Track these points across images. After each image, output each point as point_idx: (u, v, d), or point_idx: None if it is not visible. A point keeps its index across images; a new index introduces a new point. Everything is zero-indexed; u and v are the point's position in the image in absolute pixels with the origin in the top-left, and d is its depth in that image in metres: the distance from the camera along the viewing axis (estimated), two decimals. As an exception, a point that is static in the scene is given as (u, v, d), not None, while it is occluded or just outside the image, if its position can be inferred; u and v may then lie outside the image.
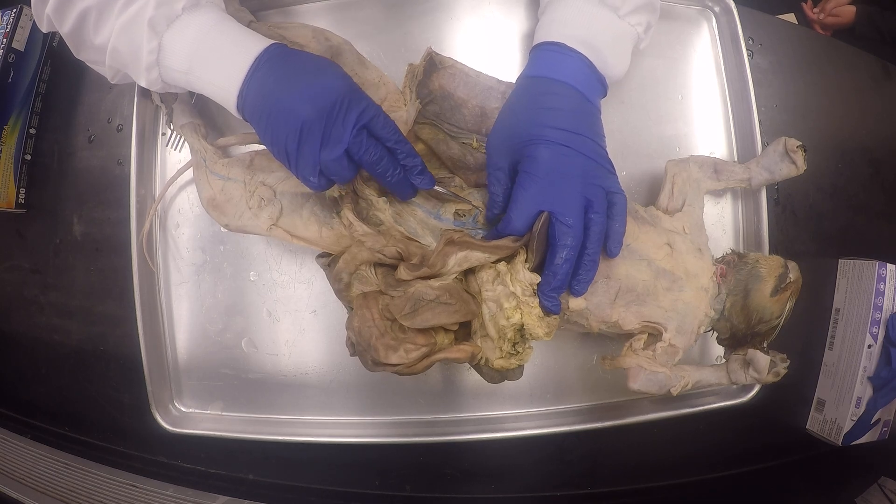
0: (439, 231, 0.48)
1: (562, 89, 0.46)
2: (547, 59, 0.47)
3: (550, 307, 0.45)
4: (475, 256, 0.46)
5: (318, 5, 0.60)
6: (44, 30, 0.47)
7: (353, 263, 0.48)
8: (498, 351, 0.46)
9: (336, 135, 0.42)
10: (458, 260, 0.46)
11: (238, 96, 0.43)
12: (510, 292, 0.45)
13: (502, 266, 0.45)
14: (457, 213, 0.49)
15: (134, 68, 0.45)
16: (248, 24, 0.54)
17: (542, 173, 0.44)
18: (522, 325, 0.45)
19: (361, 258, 0.47)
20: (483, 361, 0.46)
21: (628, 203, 0.47)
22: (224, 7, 0.48)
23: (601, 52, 0.47)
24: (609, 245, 0.46)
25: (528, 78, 0.48)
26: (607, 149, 0.47)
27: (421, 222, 0.48)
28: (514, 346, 0.46)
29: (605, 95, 0.50)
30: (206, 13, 0.45)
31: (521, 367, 0.47)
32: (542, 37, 0.48)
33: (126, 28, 0.43)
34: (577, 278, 0.45)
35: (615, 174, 0.47)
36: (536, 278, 0.44)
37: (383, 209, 0.48)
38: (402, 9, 0.60)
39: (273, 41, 0.45)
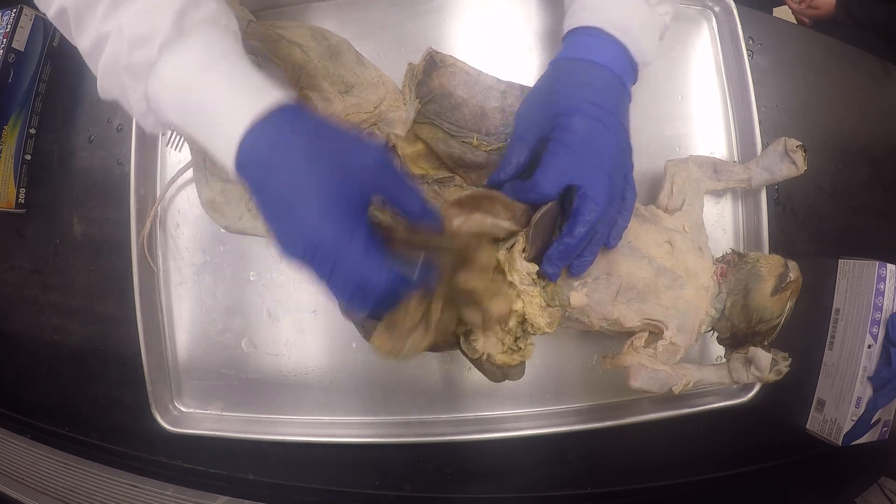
0: None
1: (600, 71, 0.46)
2: (584, 42, 0.47)
3: (551, 274, 0.44)
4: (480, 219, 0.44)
5: (317, 5, 0.60)
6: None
7: None
8: (500, 345, 0.45)
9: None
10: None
11: (235, 170, 0.35)
12: (509, 282, 0.44)
13: (502, 255, 0.45)
14: None
15: (132, 114, 0.40)
16: (248, 24, 0.54)
17: (576, 144, 0.43)
18: (524, 317, 0.45)
19: None
20: (485, 357, 0.46)
21: None
22: (224, 20, 0.38)
23: (636, 38, 0.47)
24: (611, 236, 0.46)
25: (566, 60, 0.48)
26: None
27: None
28: (515, 340, 0.46)
29: (636, 82, 0.49)
30: (193, 50, 0.35)
31: (522, 364, 0.47)
32: (576, 22, 0.48)
33: (107, 71, 0.37)
34: (580, 259, 0.45)
35: (632, 166, 0.47)
36: (534, 268, 0.44)
37: None
38: (401, 9, 0.60)
39: (273, 102, 0.34)
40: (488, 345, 0.45)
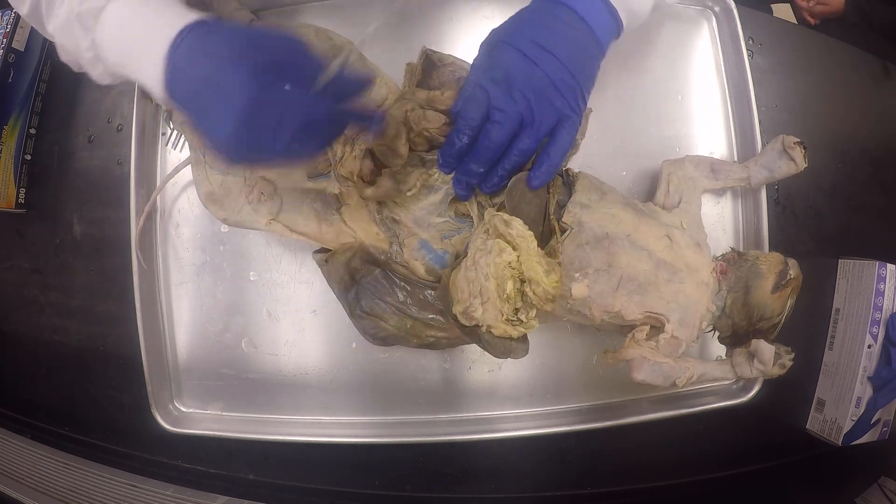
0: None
1: (568, 16, 0.45)
2: None
3: (458, 184, 0.46)
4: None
5: (318, 5, 0.60)
6: (14, 7, 0.46)
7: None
8: (499, 315, 0.44)
9: (270, 148, 0.38)
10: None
11: (164, 91, 0.39)
12: (500, 233, 0.45)
13: (488, 214, 0.46)
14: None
15: (82, 65, 0.44)
16: (249, 24, 0.54)
17: (498, 74, 0.44)
18: (522, 277, 0.44)
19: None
20: (485, 329, 0.45)
21: (626, 196, 0.47)
22: None
23: None
24: (532, 170, 0.45)
25: (539, 0, 0.46)
26: (608, 147, 0.47)
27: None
28: (516, 312, 0.45)
29: (618, 37, 0.48)
30: None
31: (525, 340, 0.46)
32: None
33: (63, 26, 0.42)
34: (487, 182, 0.45)
35: (576, 113, 0.45)
36: (525, 227, 0.44)
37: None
38: (402, 9, 0.60)
39: (192, 20, 0.39)
40: (487, 315, 0.44)
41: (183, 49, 0.38)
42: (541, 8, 0.46)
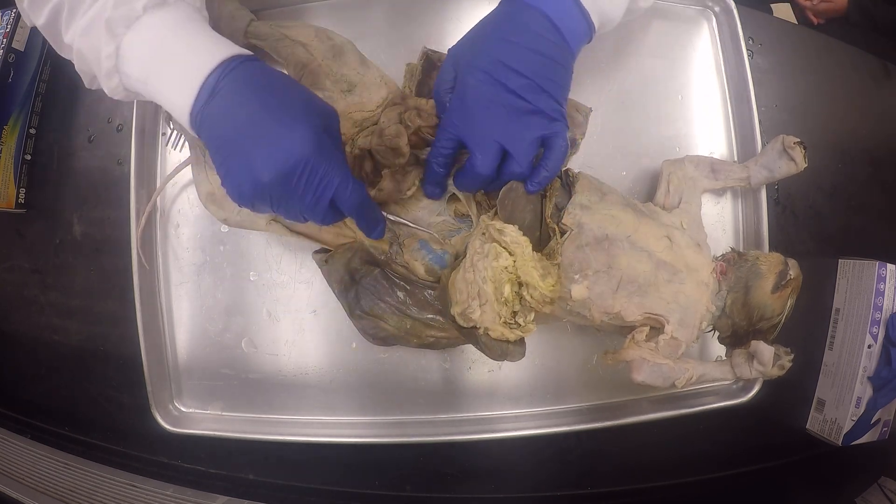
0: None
1: (538, 24, 0.42)
2: None
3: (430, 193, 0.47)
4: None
5: (319, 5, 0.60)
6: (27, 22, 0.44)
7: None
8: (497, 317, 0.44)
9: (294, 205, 0.39)
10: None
11: (190, 115, 0.38)
12: (495, 239, 0.45)
13: (484, 220, 0.46)
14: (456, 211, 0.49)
15: (97, 74, 0.42)
16: (249, 23, 0.54)
17: (467, 105, 0.43)
18: (519, 280, 0.44)
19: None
20: (483, 331, 0.45)
21: (626, 197, 0.47)
22: (200, 5, 0.43)
23: None
24: (529, 179, 0.45)
25: (519, 4, 0.44)
26: (608, 147, 0.47)
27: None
28: (514, 315, 0.45)
29: (589, 40, 0.46)
30: (172, 12, 0.40)
31: (522, 343, 0.46)
32: None
33: (87, 30, 0.40)
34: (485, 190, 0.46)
35: (560, 120, 0.44)
36: (520, 234, 0.44)
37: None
38: (403, 9, 0.60)
39: (235, 52, 0.39)
40: (485, 317, 0.44)
41: (225, 85, 0.37)
42: (508, 16, 0.44)
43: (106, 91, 0.43)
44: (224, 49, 0.39)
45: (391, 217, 0.48)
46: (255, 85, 0.38)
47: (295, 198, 0.38)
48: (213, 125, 0.38)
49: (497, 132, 0.42)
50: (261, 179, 0.37)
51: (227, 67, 0.38)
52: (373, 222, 0.44)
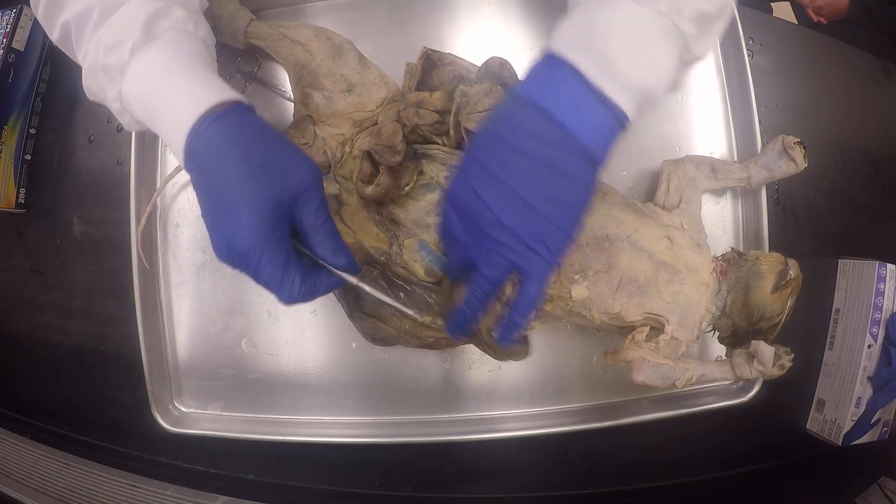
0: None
1: (537, 123, 0.34)
2: (537, 73, 0.36)
3: (454, 331, 0.42)
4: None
5: (318, 5, 0.60)
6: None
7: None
8: (498, 317, 0.44)
9: (261, 282, 0.37)
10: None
11: (184, 157, 0.38)
12: None
13: None
14: None
15: (111, 110, 0.43)
16: (249, 23, 0.54)
17: (456, 208, 0.38)
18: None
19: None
20: (485, 332, 0.45)
21: (626, 197, 0.46)
22: (192, 27, 0.42)
23: (609, 55, 0.33)
24: (501, 331, 0.39)
25: (515, 98, 0.36)
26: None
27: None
28: None
29: (624, 130, 0.35)
30: (158, 49, 0.39)
31: (525, 342, 0.46)
32: (559, 42, 0.36)
33: (89, 73, 0.41)
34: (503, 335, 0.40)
35: (545, 258, 0.36)
36: None
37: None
38: (402, 9, 0.60)
39: (215, 102, 0.37)
40: (487, 317, 0.44)
41: (209, 136, 0.37)
42: (506, 114, 0.36)
43: (124, 126, 0.44)
44: (209, 94, 0.38)
45: (367, 288, 0.43)
46: (227, 148, 0.37)
47: (268, 269, 0.36)
48: (197, 178, 0.38)
49: (506, 263, 0.37)
50: (235, 243, 0.36)
51: (210, 119, 0.37)
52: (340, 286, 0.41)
